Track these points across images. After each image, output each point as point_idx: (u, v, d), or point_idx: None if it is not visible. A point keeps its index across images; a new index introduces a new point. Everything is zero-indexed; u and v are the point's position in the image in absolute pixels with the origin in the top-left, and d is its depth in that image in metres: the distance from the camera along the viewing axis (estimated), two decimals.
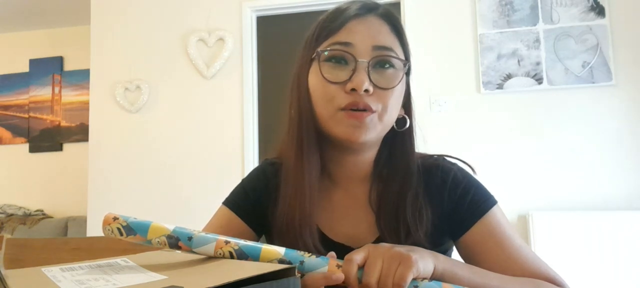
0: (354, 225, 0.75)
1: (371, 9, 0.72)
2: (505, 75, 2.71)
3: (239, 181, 0.85)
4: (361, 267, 0.53)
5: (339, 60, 0.69)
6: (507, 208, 1.69)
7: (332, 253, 0.56)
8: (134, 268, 0.48)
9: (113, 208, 2.13)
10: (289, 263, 0.52)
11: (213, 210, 0.83)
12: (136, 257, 0.55)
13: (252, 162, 2.95)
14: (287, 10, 3.06)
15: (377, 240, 0.72)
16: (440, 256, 0.58)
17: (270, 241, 0.80)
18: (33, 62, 4.40)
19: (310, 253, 0.54)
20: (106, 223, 0.53)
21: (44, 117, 4.33)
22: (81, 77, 4.20)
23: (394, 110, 0.71)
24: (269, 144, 2.86)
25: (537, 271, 0.67)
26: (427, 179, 0.75)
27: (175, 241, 0.52)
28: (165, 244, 0.52)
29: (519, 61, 2.70)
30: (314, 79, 0.72)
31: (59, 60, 4.36)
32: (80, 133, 4.16)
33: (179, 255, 0.55)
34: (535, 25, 2.71)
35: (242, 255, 0.52)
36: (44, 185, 4.22)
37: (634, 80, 2.59)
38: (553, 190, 2.59)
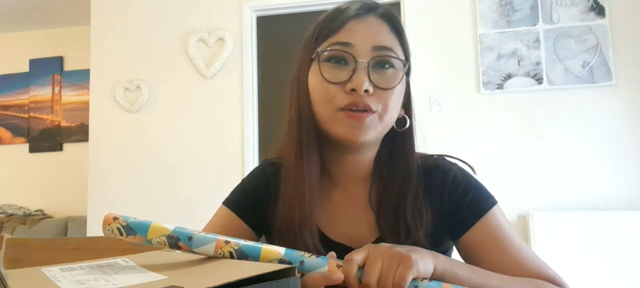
0: (354, 225, 0.75)
1: (371, 9, 0.72)
2: (505, 75, 2.71)
3: (239, 181, 0.85)
4: (361, 267, 0.53)
5: (338, 60, 0.69)
6: (507, 208, 1.69)
7: (332, 253, 0.56)
8: (134, 268, 0.48)
9: (113, 208, 2.13)
10: (289, 263, 0.52)
11: (213, 210, 0.83)
12: (136, 257, 0.55)
13: (252, 162, 2.95)
14: (287, 10, 3.06)
15: (377, 240, 0.72)
16: (440, 256, 0.58)
17: (270, 241, 0.80)
18: (33, 62, 4.40)
19: (310, 254, 0.54)
20: (106, 223, 0.53)
21: (44, 117, 4.34)
22: (81, 77, 4.20)
23: (394, 111, 0.71)
24: (269, 144, 2.86)
25: (537, 271, 0.67)
26: (427, 179, 0.75)
27: (175, 241, 0.52)
28: (165, 244, 0.52)
29: (519, 61, 2.70)
30: (313, 79, 0.72)
31: (59, 60, 4.36)
32: (80, 133, 4.16)
33: (179, 255, 0.55)
34: (535, 25, 2.71)
35: (242, 255, 0.52)
36: (44, 185, 4.22)
37: (634, 80, 2.59)
38: (553, 190, 2.59)
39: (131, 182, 3.08)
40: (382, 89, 0.68)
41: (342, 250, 0.59)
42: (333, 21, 0.71)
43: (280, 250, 0.53)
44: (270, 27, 3.10)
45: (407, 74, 0.75)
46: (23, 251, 0.98)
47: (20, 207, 4.08)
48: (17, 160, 4.34)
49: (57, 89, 4.33)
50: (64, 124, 4.27)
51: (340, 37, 0.70)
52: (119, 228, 0.52)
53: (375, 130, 0.69)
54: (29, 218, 3.88)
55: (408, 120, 0.75)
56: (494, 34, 2.74)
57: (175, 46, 3.12)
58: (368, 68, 0.67)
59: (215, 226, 0.79)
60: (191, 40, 3.05)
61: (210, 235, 0.53)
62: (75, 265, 0.49)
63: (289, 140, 0.75)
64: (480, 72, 2.73)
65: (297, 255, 0.53)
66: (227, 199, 0.82)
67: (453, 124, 2.73)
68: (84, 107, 3.98)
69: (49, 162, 4.26)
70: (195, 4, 3.13)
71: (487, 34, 2.75)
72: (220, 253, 0.52)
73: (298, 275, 0.46)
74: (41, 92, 4.36)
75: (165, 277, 0.43)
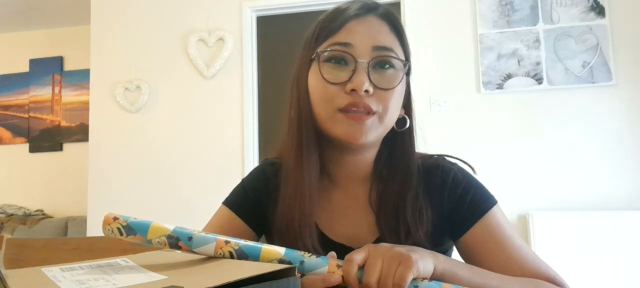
0: (354, 226, 0.75)
1: (371, 9, 0.72)
2: (505, 75, 2.71)
3: (239, 181, 0.85)
4: (361, 267, 0.53)
5: (338, 60, 0.69)
6: (507, 208, 1.69)
7: (332, 253, 0.56)
8: (134, 268, 0.48)
9: (113, 208, 2.13)
10: (289, 263, 0.52)
11: (213, 210, 0.83)
12: (136, 257, 0.55)
13: (252, 162, 2.95)
14: (287, 10, 3.06)
15: (377, 240, 0.72)
16: (440, 256, 0.58)
17: (270, 241, 0.80)
18: (33, 62, 4.40)
19: (310, 254, 0.54)
20: (106, 223, 0.52)
21: (44, 117, 4.34)
22: (81, 77, 4.20)
23: (395, 111, 0.71)
24: (269, 144, 2.86)
25: (537, 271, 0.67)
26: (427, 179, 0.75)
27: (175, 241, 0.52)
28: (165, 244, 0.52)
29: (519, 61, 2.70)
30: (313, 80, 0.71)
31: (59, 60, 4.36)
32: (80, 133, 4.16)
33: (179, 255, 0.55)
34: (535, 25, 2.71)
35: (242, 255, 0.52)
36: (44, 185, 4.22)
37: (634, 80, 2.59)
38: (553, 190, 2.59)
39: (131, 182, 3.08)
40: (383, 89, 0.68)
41: (342, 250, 0.59)
42: (333, 21, 0.71)
43: (280, 250, 0.53)
44: (270, 27, 3.10)
45: (408, 74, 0.75)
46: (23, 251, 0.98)
47: (20, 207, 4.08)
48: (17, 160, 4.34)
49: (57, 89, 4.33)
50: (64, 123, 4.27)
51: (340, 37, 0.70)
52: (119, 228, 0.52)
53: (375, 131, 0.69)
54: (29, 218, 3.88)
55: (408, 121, 0.75)
56: (494, 34, 2.74)
57: (175, 46, 3.12)
58: (368, 68, 0.67)
59: (215, 226, 0.79)
60: (191, 40, 3.05)
61: (210, 235, 0.53)
62: (75, 265, 0.49)
63: (289, 140, 0.75)
64: (480, 72, 2.73)
65: (297, 255, 0.53)
66: (227, 199, 0.82)
67: (453, 124, 2.73)
68: (84, 107, 3.98)
69: (49, 162, 4.26)
70: (195, 4, 3.13)
71: (487, 34, 2.75)
72: (220, 253, 0.52)
73: (298, 275, 0.46)
74: (41, 92, 4.36)
75: (165, 277, 0.43)
